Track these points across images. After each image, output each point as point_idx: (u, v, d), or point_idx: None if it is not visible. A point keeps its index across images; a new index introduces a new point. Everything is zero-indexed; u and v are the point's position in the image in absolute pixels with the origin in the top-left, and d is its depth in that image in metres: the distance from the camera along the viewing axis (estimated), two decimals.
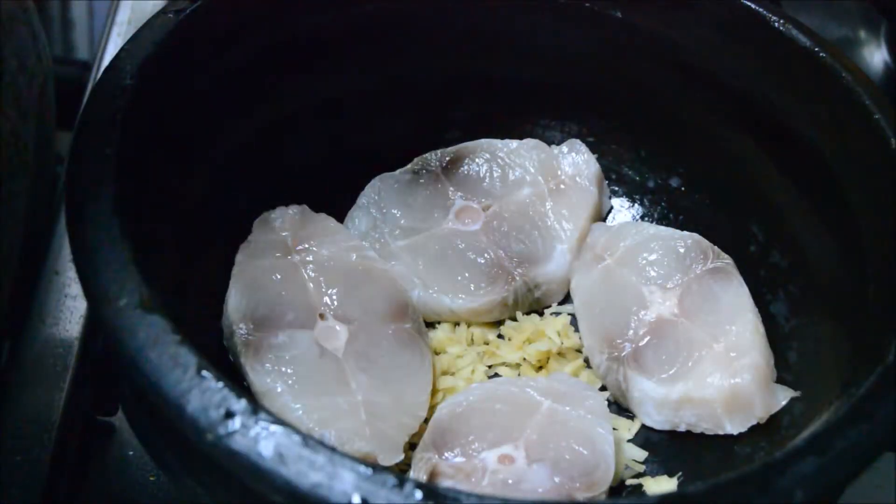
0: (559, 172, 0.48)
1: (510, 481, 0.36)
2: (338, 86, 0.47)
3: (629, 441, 0.41)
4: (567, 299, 0.47)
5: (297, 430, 0.25)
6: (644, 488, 0.39)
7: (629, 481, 0.40)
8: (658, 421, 0.41)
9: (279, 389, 0.37)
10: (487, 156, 0.48)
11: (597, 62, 0.48)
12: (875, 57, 0.65)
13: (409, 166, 0.48)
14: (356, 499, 0.24)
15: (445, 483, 0.36)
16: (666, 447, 0.41)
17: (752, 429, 0.40)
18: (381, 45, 0.47)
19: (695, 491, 0.26)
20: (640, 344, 0.42)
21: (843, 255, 0.39)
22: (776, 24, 0.42)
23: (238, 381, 0.38)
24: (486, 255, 0.45)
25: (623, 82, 0.48)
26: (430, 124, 0.50)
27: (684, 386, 0.40)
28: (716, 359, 0.40)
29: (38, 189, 0.40)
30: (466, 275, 0.44)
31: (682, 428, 0.41)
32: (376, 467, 0.25)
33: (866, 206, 0.38)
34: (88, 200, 0.31)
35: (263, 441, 0.25)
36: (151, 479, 0.41)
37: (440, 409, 0.39)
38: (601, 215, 0.49)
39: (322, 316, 0.41)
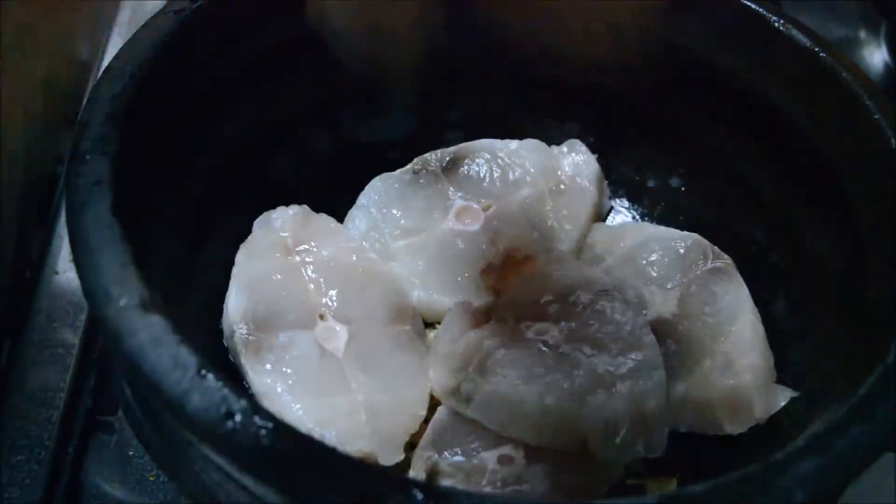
0: (559, 173, 0.48)
1: (510, 481, 0.36)
2: (337, 86, 0.47)
3: None
4: None
5: (297, 431, 0.25)
6: (644, 488, 0.39)
7: (629, 481, 0.40)
8: None
9: (279, 390, 0.37)
10: (487, 156, 0.48)
11: (597, 62, 0.48)
12: (875, 57, 0.65)
13: (409, 166, 0.48)
14: (356, 499, 0.24)
15: (445, 483, 0.36)
16: (666, 447, 0.41)
17: (752, 429, 0.40)
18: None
19: (695, 491, 0.26)
20: None
21: (843, 255, 0.39)
22: (776, 24, 0.42)
23: (238, 382, 0.38)
24: (486, 255, 0.45)
25: (623, 82, 0.48)
26: (430, 124, 0.50)
27: (684, 387, 0.40)
28: (715, 359, 0.40)
29: (30, 196, 0.39)
30: (466, 275, 0.44)
31: (683, 428, 0.41)
32: (376, 467, 0.25)
33: (866, 206, 0.38)
34: (88, 200, 0.31)
35: (263, 441, 0.25)
36: (151, 479, 0.41)
37: (440, 409, 0.39)
38: (601, 215, 0.49)
39: (322, 317, 0.41)
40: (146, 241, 0.32)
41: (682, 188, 0.49)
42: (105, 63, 0.39)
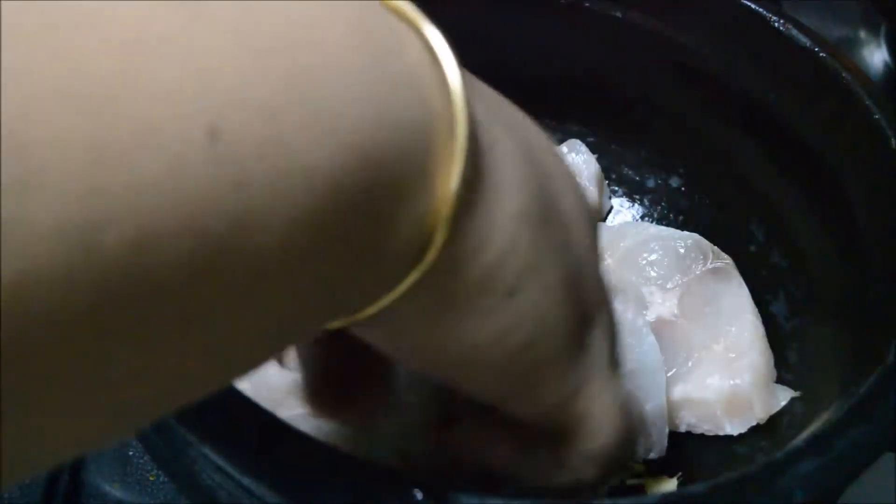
0: None
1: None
2: None
3: None
4: None
5: (297, 431, 0.25)
6: (644, 488, 0.39)
7: (629, 481, 0.40)
8: None
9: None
10: None
11: (597, 62, 0.48)
12: (875, 57, 0.65)
13: None
14: (356, 499, 0.24)
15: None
16: (666, 447, 0.41)
17: (752, 429, 0.40)
18: None
19: (695, 491, 0.26)
20: None
21: (843, 255, 0.39)
22: (776, 24, 0.42)
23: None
24: None
25: (623, 82, 0.48)
26: None
27: (684, 387, 0.40)
28: (715, 360, 0.40)
29: None
30: None
31: (683, 428, 0.41)
32: (377, 467, 0.25)
33: (866, 206, 0.38)
34: None
35: (263, 441, 0.25)
36: (151, 479, 0.41)
37: None
38: (601, 215, 0.49)
39: None
40: None
41: (682, 188, 0.49)
42: None
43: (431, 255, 0.19)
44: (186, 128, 0.14)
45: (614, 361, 0.27)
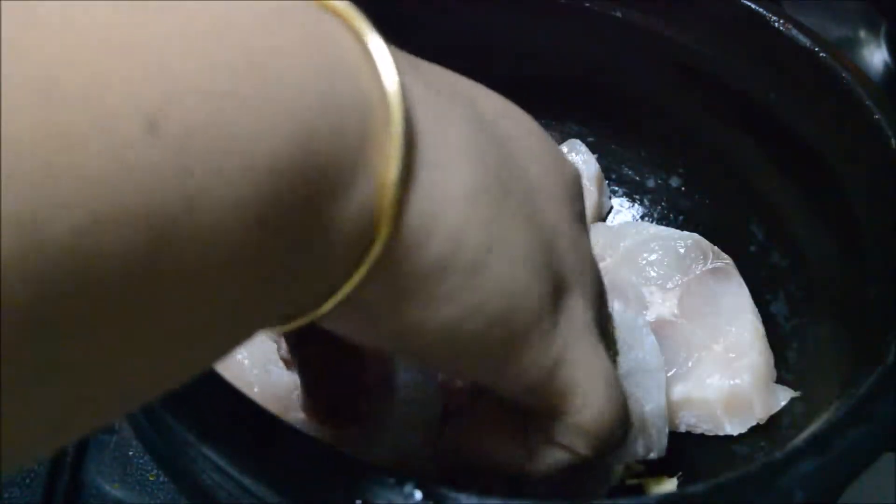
0: None
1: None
2: None
3: None
4: None
5: (296, 430, 0.25)
6: (644, 488, 0.39)
7: (629, 481, 0.40)
8: None
9: None
10: None
11: (597, 62, 0.48)
12: (875, 57, 0.65)
13: None
14: (355, 498, 0.24)
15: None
16: (666, 447, 0.41)
17: (752, 429, 0.40)
18: None
19: (695, 491, 0.26)
20: None
21: (843, 255, 0.39)
22: (776, 24, 0.42)
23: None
24: None
25: (623, 82, 0.48)
26: None
27: (684, 387, 0.40)
28: (715, 360, 0.40)
29: None
30: None
31: (682, 428, 0.41)
32: (376, 467, 0.25)
33: (866, 206, 0.38)
34: None
35: (263, 441, 0.25)
36: (151, 479, 0.41)
37: None
38: (601, 215, 0.49)
39: None
40: None
41: (682, 188, 0.49)
42: None
43: (378, 246, 0.19)
44: (132, 117, 0.14)
45: (599, 328, 0.26)
